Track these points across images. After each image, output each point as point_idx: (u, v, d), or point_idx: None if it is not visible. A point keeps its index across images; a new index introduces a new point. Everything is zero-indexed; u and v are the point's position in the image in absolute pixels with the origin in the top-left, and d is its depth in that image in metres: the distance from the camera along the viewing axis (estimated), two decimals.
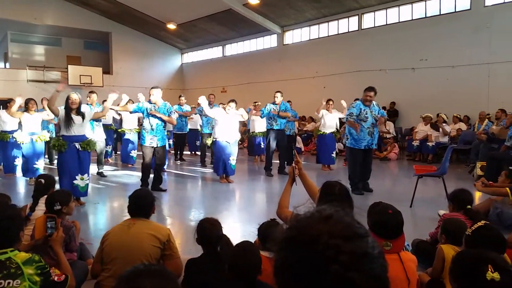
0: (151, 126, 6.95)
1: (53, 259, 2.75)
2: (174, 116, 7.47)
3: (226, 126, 7.97)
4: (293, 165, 3.04)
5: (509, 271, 1.70)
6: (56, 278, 2.31)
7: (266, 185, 8.18)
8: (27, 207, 3.58)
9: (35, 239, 2.91)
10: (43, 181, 3.77)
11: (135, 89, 20.39)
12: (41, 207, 3.52)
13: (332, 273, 0.67)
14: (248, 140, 13.53)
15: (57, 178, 5.51)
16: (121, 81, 20.52)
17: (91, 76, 19.14)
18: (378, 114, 7.01)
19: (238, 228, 5.27)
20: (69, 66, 19.19)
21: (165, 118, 6.99)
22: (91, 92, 8.78)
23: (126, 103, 8.52)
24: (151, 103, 7.03)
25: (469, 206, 3.59)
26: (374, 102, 7.02)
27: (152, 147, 7.01)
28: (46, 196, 3.45)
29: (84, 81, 18.90)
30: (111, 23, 20.59)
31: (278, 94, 9.15)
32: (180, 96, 12.24)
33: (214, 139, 8.14)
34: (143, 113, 7.09)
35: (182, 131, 11.54)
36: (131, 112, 7.46)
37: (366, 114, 6.86)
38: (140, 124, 8.73)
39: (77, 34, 21.00)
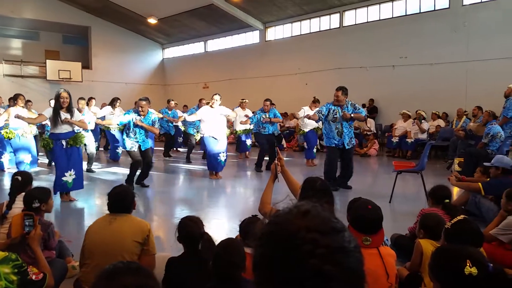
0: (134, 134, 6.98)
1: (30, 258, 2.70)
2: (157, 126, 7.45)
3: (212, 123, 7.98)
4: (276, 162, 3.06)
5: (486, 266, 1.75)
6: (33, 277, 2.27)
7: (252, 181, 8.20)
8: (4, 205, 3.50)
9: (12, 237, 2.86)
10: (19, 178, 3.69)
11: (115, 84, 20.26)
12: (18, 205, 3.43)
13: (310, 267, 0.68)
14: (235, 137, 13.54)
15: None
16: (101, 76, 20.23)
17: (70, 71, 18.81)
18: (356, 111, 6.98)
19: (222, 224, 5.28)
20: (47, 60, 18.82)
21: (148, 128, 6.99)
22: (81, 98, 8.68)
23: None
24: (137, 113, 6.99)
25: (447, 200, 3.67)
26: (350, 102, 6.97)
27: (135, 150, 7.05)
28: (23, 193, 3.38)
29: (62, 76, 18.55)
30: (90, 17, 20.23)
31: (268, 102, 9.38)
32: (169, 101, 12.25)
33: (201, 135, 8.16)
34: (129, 124, 7.02)
35: (168, 132, 11.80)
36: (118, 125, 7.62)
37: (336, 114, 6.83)
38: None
39: (55, 28, 20.54)
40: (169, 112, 11.80)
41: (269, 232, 0.77)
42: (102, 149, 12.65)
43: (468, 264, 1.73)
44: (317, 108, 7.15)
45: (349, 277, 0.71)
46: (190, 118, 8.33)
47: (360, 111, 7.11)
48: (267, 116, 9.11)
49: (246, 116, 10.14)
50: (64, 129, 5.98)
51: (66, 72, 18.68)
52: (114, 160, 10.42)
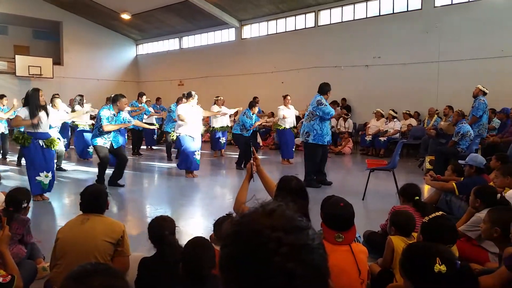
0: (107, 131, 6.85)
1: None
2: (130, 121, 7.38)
3: (193, 121, 7.93)
4: (251, 161, 3.07)
5: (455, 264, 1.80)
6: (1, 279, 2.21)
7: (227, 179, 8.19)
8: None
9: None
10: None
11: (87, 81, 19.87)
12: None
13: (274, 265, 0.70)
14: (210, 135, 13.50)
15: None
16: (73, 73, 19.77)
17: (40, 67, 18.28)
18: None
19: (198, 223, 5.25)
20: (16, 56, 18.23)
21: (119, 126, 6.97)
22: (55, 96, 8.52)
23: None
24: (112, 111, 6.90)
25: (417, 198, 3.75)
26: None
27: (106, 147, 6.93)
28: None
29: (33, 72, 18.03)
30: (62, 11, 19.71)
31: (256, 110, 9.63)
32: (142, 95, 11.78)
33: (178, 134, 8.01)
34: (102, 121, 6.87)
35: (138, 128, 11.11)
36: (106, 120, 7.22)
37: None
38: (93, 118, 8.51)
39: (25, 23, 19.92)
40: (140, 105, 11.47)
41: (234, 232, 0.78)
42: (74, 147, 12.39)
43: (437, 262, 1.77)
44: (320, 107, 7.08)
45: (313, 274, 0.72)
46: (182, 119, 8.30)
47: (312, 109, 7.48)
48: (263, 119, 9.37)
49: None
50: (42, 129, 5.92)
51: (36, 68, 18.16)
52: (84, 158, 10.23)
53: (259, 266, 0.71)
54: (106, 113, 6.80)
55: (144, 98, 11.75)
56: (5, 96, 8.74)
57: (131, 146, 11.69)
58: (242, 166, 8.88)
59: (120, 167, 7.08)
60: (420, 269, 1.84)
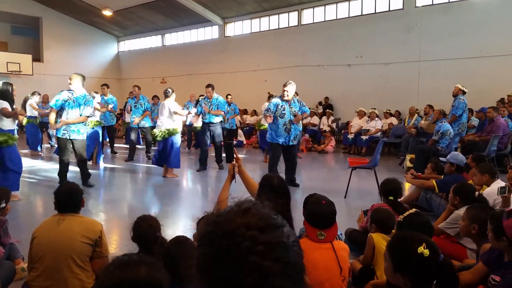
0: (66, 117, 6.29)
1: None
2: (88, 110, 6.49)
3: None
4: (233, 162, 3.07)
5: (438, 254, 1.83)
6: None
7: (209, 178, 8.13)
8: None
9: None
10: None
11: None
12: None
13: (250, 263, 0.70)
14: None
15: None
16: (53, 70, 19.41)
17: (19, 63, 17.93)
18: (299, 111, 6.77)
19: (180, 222, 5.22)
20: None
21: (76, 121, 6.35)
22: (35, 93, 8.36)
23: None
24: (70, 92, 6.39)
25: (391, 198, 3.79)
26: (295, 99, 6.83)
27: (66, 138, 6.33)
28: None
29: (11, 68, 17.66)
30: (41, 7, 19.35)
31: (209, 89, 8.87)
32: (104, 85, 10.89)
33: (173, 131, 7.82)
34: (63, 106, 6.32)
35: (109, 124, 10.59)
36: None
37: (284, 110, 6.64)
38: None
39: (3, 18, 19.44)
40: (106, 98, 10.55)
41: (210, 232, 0.78)
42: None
43: (423, 246, 1.81)
44: (265, 108, 6.85)
45: (289, 271, 0.73)
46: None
47: (305, 109, 6.98)
48: (210, 102, 8.57)
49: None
50: (14, 126, 5.81)
51: (15, 65, 17.79)
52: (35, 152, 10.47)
53: (234, 265, 0.71)
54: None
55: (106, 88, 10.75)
56: None
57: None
58: (206, 166, 8.57)
59: (78, 164, 6.64)
60: (403, 250, 1.87)
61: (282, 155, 6.93)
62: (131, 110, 10.01)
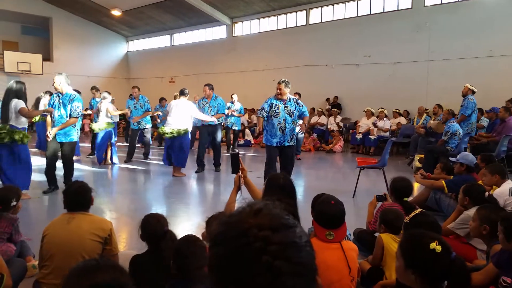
0: (54, 118, 6.17)
1: None
2: (76, 110, 6.15)
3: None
4: (239, 173, 3.09)
5: (450, 251, 1.83)
6: None
7: (217, 177, 8.15)
8: None
9: None
10: None
11: (78, 78, 19.58)
12: None
13: (262, 263, 0.71)
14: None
15: None
16: (63, 69, 19.33)
17: (30, 63, 18.07)
18: (295, 111, 6.38)
19: (188, 221, 5.23)
20: (5, 51, 17.99)
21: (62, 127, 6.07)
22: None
23: None
24: (57, 94, 6.24)
25: (405, 199, 3.78)
26: (291, 98, 6.47)
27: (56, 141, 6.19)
28: None
29: (22, 68, 17.82)
30: (51, 7, 19.50)
31: (206, 87, 8.53)
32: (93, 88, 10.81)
33: (185, 131, 7.88)
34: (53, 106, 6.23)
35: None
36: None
37: (278, 109, 6.30)
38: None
39: (14, 18, 19.66)
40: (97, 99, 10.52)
41: (222, 232, 0.79)
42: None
43: (435, 243, 1.81)
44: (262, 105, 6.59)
45: (300, 271, 0.74)
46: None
47: (303, 110, 6.48)
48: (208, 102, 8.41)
49: None
50: (26, 124, 5.93)
51: (25, 64, 17.95)
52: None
53: (247, 265, 0.72)
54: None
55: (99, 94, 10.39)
56: None
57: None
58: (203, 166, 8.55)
59: (63, 165, 6.39)
60: (416, 246, 1.87)
61: (278, 157, 6.54)
62: (130, 112, 9.92)
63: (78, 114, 6.17)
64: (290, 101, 6.39)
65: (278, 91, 6.31)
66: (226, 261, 0.75)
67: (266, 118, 6.41)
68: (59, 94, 6.21)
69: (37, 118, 9.52)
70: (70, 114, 6.11)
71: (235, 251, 0.74)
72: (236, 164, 3.10)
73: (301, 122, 6.75)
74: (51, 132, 6.06)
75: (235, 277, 0.73)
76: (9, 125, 5.66)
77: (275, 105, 6.32)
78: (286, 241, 0.75)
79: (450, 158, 5.35)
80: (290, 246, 0.74)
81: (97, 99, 10.32)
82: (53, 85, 6.22)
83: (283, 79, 6.37)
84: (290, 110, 6.33)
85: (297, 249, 0.75)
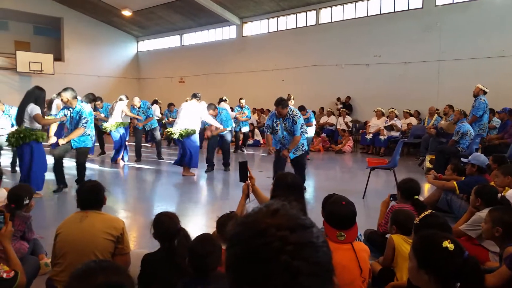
0: (68, 128, 6.49)
1: (0, 256, 2.63)
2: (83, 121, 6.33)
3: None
4: (247, 182, 3.13)
5: (463, 250, 1.82)
6: (5, 275, 2.21)
7: (226, 177, 8.17)
8: None
9: None
10: None
11: (88, 77, 19.83)
12: None
13: (280, 263, 0.71)
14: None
15: None
16: (73, 69, 19.75)
17: (41, 63, 18.25)
18: (291, 128, 6.25)
19: (199, 220, 5.26)
20: (17, 52, 18.18)
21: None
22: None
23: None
24: (69, 109, 6.39)
25: (416, 197, 3.75)
26: (291, 112, 6.25)
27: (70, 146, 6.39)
28: None
29: (34, 68, 18.00)
30: (62, 8, 19.69)
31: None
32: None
33: (193, 132, 7.95)
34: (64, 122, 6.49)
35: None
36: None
37: (277, 126, 6.35)
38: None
39: (26, 19, 19.89)
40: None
41: (239, 232, 0.79)
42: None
43: (448, 241, 1.80)
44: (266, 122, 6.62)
45: (317, 271, 0.74)
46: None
47: (295, 129, 6.22)
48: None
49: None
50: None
51: (37, 64, 18.13)
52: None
53: (265, 265, 0.72)
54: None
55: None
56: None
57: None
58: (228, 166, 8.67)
59: (77, 167, 6.57)
60: (428, 244, 1.87)
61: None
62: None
63: (84, 124, 6.30)
64: (288, 118, 6.26)
65: (276, 112, 6.25)
66: (243, 261, 0.75)
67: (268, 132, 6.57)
68: (70, 108, 6.36)
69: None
70: (77, 124, 6.31)
71: (252, 251, 0.74)
72: (244, 173, 3.13)
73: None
74: (62, 141, 6.25)
75: (252, 277, 0.73)
76: (24, 127, 5.82)
77: (275, 122, 6.38)
78: (303, 241, 0.75)
79: (462, 159, 5.31)
80: (307, 246, 0.75)
81: (100, 109, 10.42)
82: (61, 100, 6.40)
83: (279, 100, 6.17)
84: (287, 127, 6.29)
85: (315, 249, 0.76)
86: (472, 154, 5.04)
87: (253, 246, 0.75)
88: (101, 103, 10.53)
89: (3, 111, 8.11)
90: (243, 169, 3.14)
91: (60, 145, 6.27)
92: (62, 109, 6.51)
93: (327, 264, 0.78)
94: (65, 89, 6.30)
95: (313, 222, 0.82)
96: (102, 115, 10.08)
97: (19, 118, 5.86)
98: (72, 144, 6.31)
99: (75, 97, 6.31)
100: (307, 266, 0.72)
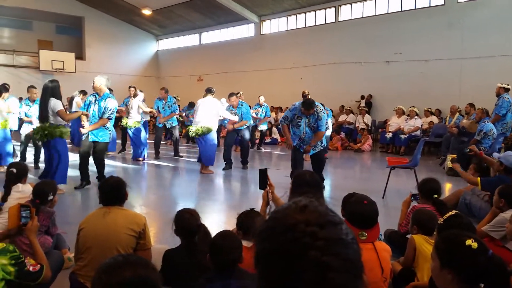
0: (88, 119, 6.40)
1: (27, 249, 2.70)
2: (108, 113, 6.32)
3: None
4: (267, 189, 3.13)
5: (486, 249, 1.80)
6: (31, 268, 2.27)
7: (244, 175, 8.19)
8: None
9: (8, 229, 2.85)
10: (14, 170, 3.68)
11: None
12: (14, 196, 3.47)
13: (310, 258, 0.72)
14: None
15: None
16: (94, 67, 20.01)
17: (63, 61, 18.64)
18: (314, 124, 6.22)
19: (218, 217, 5.29)
20: (40, 50, 18.62)
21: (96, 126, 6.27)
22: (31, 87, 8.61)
23: None
24: (94, 95, 6.44)
25: (435, 196, 3.70)
26: (317, 109, 6.19)
27: (89, 140, 6.39)
28: (19, 184, 3.47)
29: (56, 66, 18.38)
30: (84, 7, 20.04)
31: (233, 97, 8.73)
32: (131, 87, 9.90)
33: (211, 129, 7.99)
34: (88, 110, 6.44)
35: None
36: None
37: (300, 121, 6.26)
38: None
39: (48, 18, 20.34)
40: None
41: (269, 227, 0.80)
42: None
43: (471, 240, 1.78)
44: (285, 113, 6.57)
45: (347, 267, 0.74)
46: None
47: (319, 125, 6.23)
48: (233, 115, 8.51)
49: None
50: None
51: (59, 63, 18.51)
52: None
53: (294, 260, 0.72)
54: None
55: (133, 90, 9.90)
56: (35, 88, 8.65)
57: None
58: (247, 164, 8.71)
59: (95, 163, 6.61)
60: (451, 242, 1.84)
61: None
62: (159, 112, 10.08)
63: (110, 116, 6.34)
64: (313, 115, 6.23)
65: (303, 110, 6.17)
66: (273, 256, 0.75)
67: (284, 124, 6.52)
68: (96, 95, 6.40)
69: None
70: (102, 115, 6.31)
71: (282, 246, 0.75)
72: (264, 180, 3.13)
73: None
74: (85, 129, 6.29)
75: (282, 272, 0.73)
76: (48, 123, 5.91)
77: (298, 117, 6.29)
78: (333, 237, 0.75)
79: (494, 154, 5.19)
80: (337, 242, 0.75)
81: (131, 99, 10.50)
82: (92, 84, 6.39)
83: (311, 103, 6.10)
84: (311, 123, 6.26)
85: (344, 245, 0.76)
86: (505, 153, 4.92)
87: (283, 241, 0.75)
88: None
89: (34, 101, 8.31)
90: (263, 176, 3.14)
91: (82, 133, 6.37)
92: (89, 96, 6.59)
93: (357, 261, 0.77)
94: (102, 75, 6.41)
95: (342, 219, 0.82)
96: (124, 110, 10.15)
97: (43, 115, 5.95)
98: (90, 137, 6.35)
99: (107, 87, 6.44)
100: (337, 262, 0.72)
